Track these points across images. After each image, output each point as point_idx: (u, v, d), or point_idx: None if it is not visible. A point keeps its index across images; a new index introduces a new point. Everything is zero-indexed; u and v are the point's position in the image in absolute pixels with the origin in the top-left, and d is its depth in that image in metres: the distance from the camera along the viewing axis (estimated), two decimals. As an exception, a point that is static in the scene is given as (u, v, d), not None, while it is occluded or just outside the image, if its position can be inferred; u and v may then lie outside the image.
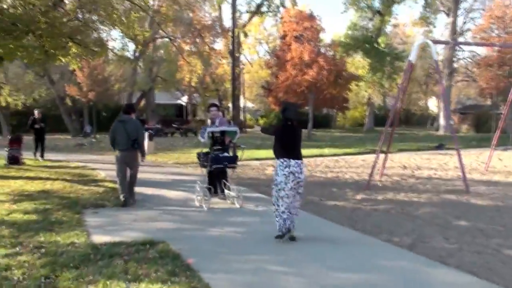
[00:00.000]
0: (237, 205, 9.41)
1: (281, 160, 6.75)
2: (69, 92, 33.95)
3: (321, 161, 17.85)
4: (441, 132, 38.72)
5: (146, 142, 21.62)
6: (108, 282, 5.15)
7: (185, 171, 14.57)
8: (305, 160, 17.21)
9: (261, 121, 54.46)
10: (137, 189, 10.87)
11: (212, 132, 9.85)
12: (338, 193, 11.14)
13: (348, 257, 6.17)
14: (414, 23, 54.34)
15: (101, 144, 26.32)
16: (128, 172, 9.91)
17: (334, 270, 5.67)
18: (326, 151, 20.95)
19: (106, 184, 12.20)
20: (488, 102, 55.93)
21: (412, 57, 11.90)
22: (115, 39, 47.39)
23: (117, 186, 10.72)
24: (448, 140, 28.82)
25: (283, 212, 6.81)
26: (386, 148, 13.09)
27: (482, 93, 39.13)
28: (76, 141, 28.65)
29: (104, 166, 16.01)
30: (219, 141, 9.97)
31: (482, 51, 37.05)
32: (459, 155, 11.53)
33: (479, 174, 14.33)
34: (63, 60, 15.38)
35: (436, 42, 15.42)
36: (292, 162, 6.70)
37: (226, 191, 9.92)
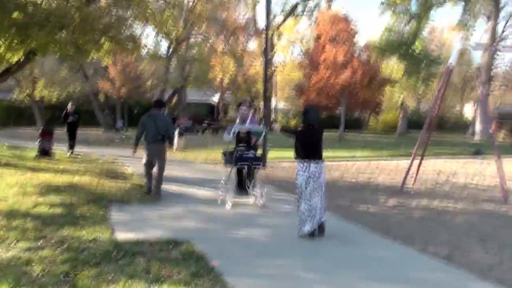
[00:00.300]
0: (260, 203, 9.30)
1: (301, 162, 7.01)
2: (102, 88, 34.20)
3: (352, 164, 17.41)
4: (477, 138, 37.66)
5: (176, 139, 21.72)
6: (128, 282, 4.95)
7: (214, 169, 14.35)
8: (335, 163, 16.86)
9: (292, 122, 54.03)
10: (164, 186, 10.77)
11: (239, 131, 9.72)
12: (369, 198, 10.76)
13: (381, 267, 5.84)
14: (452, 28, 53.26)
15: (132, 140, 26.35)
16: (156, 165, 10.11)
17: (366, 281, 5.35)
18: (358, 153, 20.50)
19: (133, 180, 12.09)
20: (526, 110, 54.41)
21: (452, 60, 11.44)
22: (147, 36, 47.66)
23: (144, 181, 10.68)
24: (486, 147, 28.04)
25: (303, 212, 6.97)
26: (421, 152, 12.60)
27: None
28: (108, 136, 28.83)
29: (133, 162, 15.93)
30: (245, 140, 9.82)
31: None
32: (499, 162, 10.99)
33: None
34: (96, 56, 15.35)
35: (477, 47, 14.84)
36: (312, 165, 6.95)
37: (250, 189, 9.73)
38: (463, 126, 63.66)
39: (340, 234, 7.34)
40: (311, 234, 6.93)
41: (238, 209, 9.06)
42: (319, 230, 6.99)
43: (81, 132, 19.66)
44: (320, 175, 6.98)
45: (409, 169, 11.56)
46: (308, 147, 7.02)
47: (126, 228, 7.30)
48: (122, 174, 13.19)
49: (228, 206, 9.09)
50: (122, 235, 6.79)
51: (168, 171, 13.53)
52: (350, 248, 6.64)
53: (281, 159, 18.12)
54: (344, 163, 17.60)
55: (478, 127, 39.01)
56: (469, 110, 72.42)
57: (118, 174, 13.12)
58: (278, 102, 54.47)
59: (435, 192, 11.72)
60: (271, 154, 17.16)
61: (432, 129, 12.28)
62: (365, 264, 5.94)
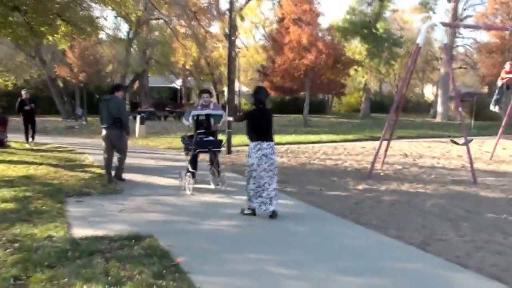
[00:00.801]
0: (212, 186, 9.50)
1: (254, 143, 7.19)
2: (60, 73, 32.97)
3: (319, 148, 17.20)
4: (438, 119, 38.10)
5: (137, 126, 21.10)
6: (85, 287, 4.50)
7: (177, 156, 13.87)
8: (302, 147, 16.68)
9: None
10: (126, 176, 10.33)
11: (197, 115, 9.46)
12: (338, 182, 10.50)
13: (356, 257, 5.53)
14: (413, 9, 53.58)
15: (92, 127, 25.60)
16: (116, 155, 10.04)
17: (341, 273, 5.03)
18: (324, 137, 20.32)
19: (93, 169, 11.56)
20: (485, 90, 55.44)
21: (420, 39, 11.21)
22: (106, 17, 46.35)
23: (102, 172, 10.23)
24: (446, 128, 28.30)
25: (251, 189, 7.20)
26: (389, 135, 12.41)
27: (483, 80, 38.45)
28: (67, 124, 27.87)
29: (93, 150, 15.35)
30: (204, 124, 9.55)
31: (483, 37, 36.17)
32: (467, 144, 10.86)
33: (484, 164, 13.72)
34: (51, 38, 14.61)
35: (445, 24, 14.66)
36: (264, 144, 7.17)
37: (211, 175, 9.73)
38: (425, 107, 64.58)
39: (311, 222, 7.03)
40: (253, 211, 7.28)
41: (203, 197, 8.69)
42: (271, 215, 7.20)
43: (38, 120, 18.84)
44: (272, 155, 7.21)
45: (377, 151, 11.34)
46: (260, 128, 7.24)
47: (85, 223, 6.81)
48: (81, 163, 12.59)
49: (189, 192, 8.93)
50: (79, 232, 6.30)
51: (130, 159, 13.08)
52: (323, 237, 6.32)
53: (247, 145, 17.77)
54: (310, 147, 17.39)
55: (439, 108, 39.41)
56: (429, 91, 73.51)
57: (76, 164, 12.52)
58: (242, 86, 53.91)
59: (404, 175, 11.56)
60: (236, 140, 16.80)
61: (400, 111, 12.04)
62: (340, 255, 5.64)
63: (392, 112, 11.68)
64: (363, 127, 28.06)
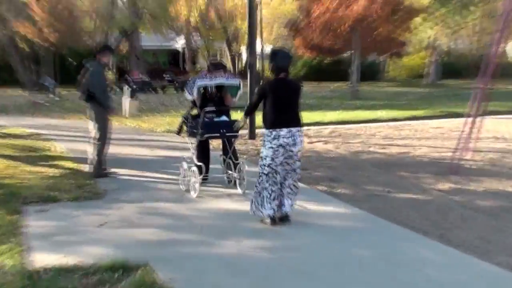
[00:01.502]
0: (239, 191, 8.68)
1: (269, 130, 6.86)
2: (24, 33, 32.44)
3: (376, 129, 16.47)
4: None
5: (126, 101, 20.52)
6: None
7: (180, 143, 13.19)
8: (353, 128, 16.02)
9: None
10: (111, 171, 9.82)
11: (204, 87, 8.93)
12: (410, 180, 9.76)
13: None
14: None
15: (66, 104, 25.13)
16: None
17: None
18: (383, 114, 19.53)
19: (64, 163, 11.07)
20: None
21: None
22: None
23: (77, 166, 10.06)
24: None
25: (265, 188, 6.94)
26: (475, 111, 11.50)
27: None
28: (32, 99, 27.43)
29: (65, 135, 14.85)
30: (215, 99, 9.09)
31: None
32: None
33: None
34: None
35: None
36: (284, 131, 6.79)
37: (225, 169, 9.24)
38: (509, 69, 63.04)
39: (377, 242, 6.32)
40: (273, 220, 6.94)
41: (216, 203, 8.09)
42: (283, 218, 7.05)
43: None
44: (295, 145, 6.87)
45: (468, 135, 10.51)
46: (279, 108, 6.84)
47: (49, 245, 6.20)
48: (48, 155, 12.09)
49: (194, 194, 8.42)
50: (41, 258, 5.68)
51: (115, 148, 12.52)
52: (397, 266, 5.59)
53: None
54: (364, 128, 16.66)
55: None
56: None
57: (41, 155, 12.04)
58: (265, 45, 53.09)
59: (501, 168, 10.84)
60: (261, 119, 16.10)
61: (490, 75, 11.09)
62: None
63: (480, 78, 10.71)
64: (433, 99, 27.16)
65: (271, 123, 6.81)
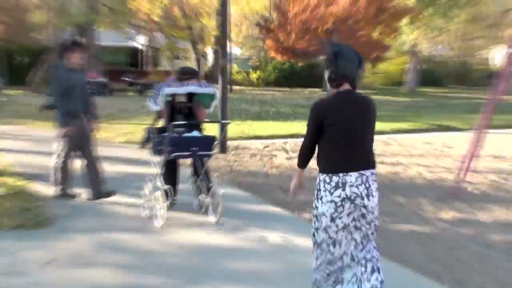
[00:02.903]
0: (214, 219, 7.80)
1: (328, 175, 4.63)
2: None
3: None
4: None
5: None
6: None
7: (143, 155, 12.35)
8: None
9: (253, 75, 52.23)
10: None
11: (173, 95, 8.04)
12: (409, 206, 9.08)
13: None
14: None
15: (11, 106, 24.04)
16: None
17: None
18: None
19: (9, 179, 10.07)
20: None
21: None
22: None
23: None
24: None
25: (320, 265, 4.86)
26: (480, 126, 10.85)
27: None
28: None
29: (11, 145, 13.87)
30: (185, 111, 8.31)
31: None
32: None
33: None
34: None
35: None
36: (352, 177, 4.58)
37: (196, 194, 8.40)
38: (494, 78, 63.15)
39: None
40: None
41: (187, 235, 7.29)
42: None
43: None
44: (369, 197, 4.67)
45: (471, 156, 9.84)
46: (345, 140, 4.62)
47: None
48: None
49: (158, 223, 7.57)
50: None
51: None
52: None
53: (250, 137, 16.36)
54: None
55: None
56: (499, 56, 72.26)
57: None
58: (233, 46, 52.53)
59: (506, 191, 10.20)
60: (233, 129, 15.36)
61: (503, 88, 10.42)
62: None
63: (496, 90, 10.03)
64: (418, 110, 26.63)
65: (332, 164, 4.64)
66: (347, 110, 4.61)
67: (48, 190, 9.33)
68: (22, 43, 37.45)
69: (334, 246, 4.69)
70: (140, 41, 50.77)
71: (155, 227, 7.55)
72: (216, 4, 41.23)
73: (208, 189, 8.02)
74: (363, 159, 4.68)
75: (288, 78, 48.69)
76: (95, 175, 8.72)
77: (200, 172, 8.20)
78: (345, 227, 4.66)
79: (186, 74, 8.22)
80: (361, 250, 4.79)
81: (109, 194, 8.74)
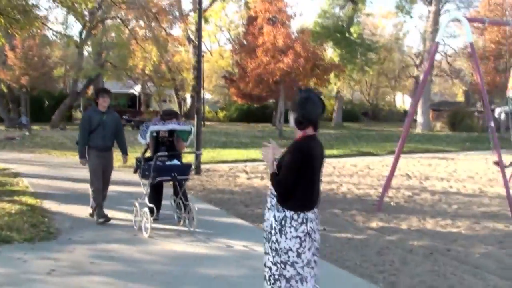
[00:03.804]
0: (189, 229, 7.17)
1: (295, 213, 3.63)
2: (1, 77, 29.96)
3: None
4: (418, 130, 36.61)
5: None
6: None
7: (135, 178, 11.60)
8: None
9: (220, 114, 51.60)
10: (65, 208, 8.22)
11: (157, 132, 7.57)
12: (343, 217, 8.45)
13: None
14: (384, 15, 52.45)
15: (35, 139, 22.87)
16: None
17: None
18: (306, 152, 18.26)
19: (25, 199, 9.17)
20: (461, 99, 54.83)
21: (439, 37, 9.31)
22: (56, 19, 43.40)
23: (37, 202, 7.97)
24: (435, 141, 26.73)
25: None
26: (396, 152, 10.32)
27: (473, 88, 37.46)
28: (6, 134, 25.02)
29: (31, 170, 12.95)
30: (167, 144, 7.71)
31: (477, 43, 34.50)
32: (500, 164, 8.86)
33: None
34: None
35: (471, 19, 12.78)
36: (310, 214, 3.67)
37: (176, 209, 7.72)
38: (397, 116, 63.69)
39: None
40: None
41: (168, 244, 6.54)
42: None
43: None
44: (316, 233, 3.74)
45: (391, 175, 9.30)
46: (313, 181, 3.73)
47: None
48: (11, 189, 10.18)
49: (145, 234, 6.93)
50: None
51: (72, 183, 10.87)
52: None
53: (218, 161, 15.66)
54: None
55: (420, 118, 37.96)
56: (400, 99, 72.81)
57: (5, 190, 10.13)
58: (205, 93, 51.89)
59: (419, 205, 9.60)
60: (205, 156, 14.67)
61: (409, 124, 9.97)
62: None
63: (406, 125, 9.57)
64: (344, 140, 26.18)
65: (303, 203, 3.67)
66: (317, 153, 3.75)
67: (55, 207, 8.56)
68: (48, 90, 36.32)
69: (302, 283, 3.63)
70: (136, 89, 49.90)
71: (143, 237, 6.82)
72: (193, 62, 40.80)
73: (185, 206, 7.36)
74: (317, 198, 3.79)
75: (247, 116, 48.29)
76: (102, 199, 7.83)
77: (179, 192, 7.53)
78: (308, 262, 3.65)
79: (168, 115, 7.63)
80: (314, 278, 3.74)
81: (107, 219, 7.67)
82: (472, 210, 9.15)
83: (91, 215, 7.79)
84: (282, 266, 3.62)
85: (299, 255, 3.59)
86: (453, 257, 6.25)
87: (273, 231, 3.68)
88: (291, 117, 3.75)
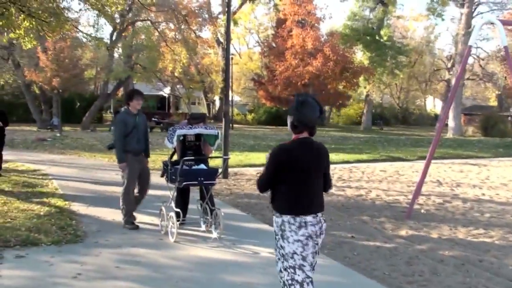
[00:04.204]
0: (215, 235, 7.03)
1: (291, 217, 3.74)
2: (30, 77, 30.44)
3: (332, 171, 14.88)
4: (450, 135, 36.03)
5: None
6: None
7: (162, 182, 11.64)
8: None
9: (249, 117, 51.62)
10: (93, 211, 8.23)
11: (184, 136, 7.49)
12: (372, 224, 8.29)
13: None
14: (415, 17, 51.82)
15: (66, 140, 23.18)
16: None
17: None
18: (334, 157, 18.05)
19: (54, 200, 9.24)
20: (493, 103, 53.78)
21: (472, 40, 9.10)
22: (88, 20, 43.95)
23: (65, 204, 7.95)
24: (467, 146, 26.24)
25: None
26: (427, 157, 10.09)
27: (507, 93, 36.74)
28: (38, 135, 25.42)
29: (61, 172, 13.08)
30: (194, 148, 7.65)
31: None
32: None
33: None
34: (13, 36, 12.53)
35: (506, 22, 12.49)
36: (309, 218, 3.74)
37: (201, 214, 7.63)
38: (428, 120, 62.88)
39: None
40: None
41: (194, 249, 6.49)
42: None
43: (10, 129, 16.45)
44: (320, 237, 3.84)
45: (421, 182, 9.10)
46: (303, 185, 3.78)
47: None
48: (41, 191, 10.30)
49: (172, 238, 6.89)
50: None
51: (101, 186, 10.92)
52: None
53: (246, 165, 15.60)
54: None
55: (451, 123, 37.32)
56: (430, 103, 71.90)
57: (35, 191, 10.23)
58: (234, 95, 52.04)
59: (450, 213, 9.37)
60: (233, 159, 14.63)
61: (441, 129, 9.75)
62: None
63: (438, 129, 9.35)
64: (373, 144, 25.89)
65: (294, 207, 3.75)
66: (306, 156, 3.77)
67: (83, 209, 8.60)
68: (79, 92, 36.85)
69: (312, 285, 3.80)
70: (166, 91, 50.28)
71: (169, 242, 6.80)
72: (222, 65, 40.94)
73: (211, 211, 7.30)
74: (317, 202, 3.84)
75: (275, 119, 48.09)
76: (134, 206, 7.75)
77: (205, 196, 7.48)
78: (311, 264, 3.81)
79: (195, 119, 7.53)
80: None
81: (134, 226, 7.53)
82: (506, 219, 8.89)
83: (126, 221, 7.57)
84: (292, 271, 3.73)
85: (304, 258, 3.71)
86: (485, 268, 6.06)
87: (277, 237, 3.83)
88: (288, 121, 3.85)
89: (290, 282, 3.75)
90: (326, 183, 4.02)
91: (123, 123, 7.46)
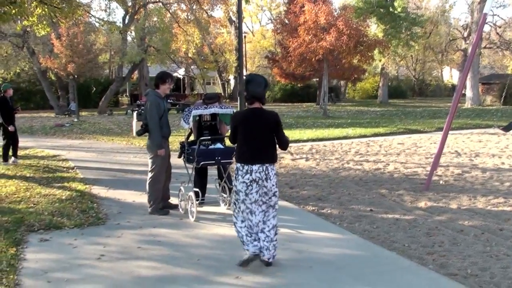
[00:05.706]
0: (223, 206, 7.55)
1: (240, 164, 5.07)
2: (45, 64, 30.59)
3: (349, 146, 14.85)
4: (468, 105, 35.61)
5: (134, 122, 18.93)
6: None
7: (180, 162, 11.72)
8: (328, 144, 14.31)
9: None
10: (113, 194, 8.33)
11: (200, 116, 7.51)
12: (390, 197, 8.28)
13: None
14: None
15: (83, 125, 23.37)
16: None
17: None
18: (351, 131, 17.98)
19: (75, 185, 9.36)
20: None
21: (488, 7, 8.92)
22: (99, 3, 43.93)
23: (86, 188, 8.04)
24: (486, 115, 25.97)
25: (239, 232, 5.19)
26: (445, 128, 9.98)
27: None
28: (56, 121, 25.66)
29: (80, 156, 13.24)
30: (210, 127, 7.68)
31: None
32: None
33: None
34: (26, 23, 12.60)
35: None
36: (255, 167, 5.00)
37: (220, 193, 7.76)
38: (445, 91, 62.12)
39: (384, 277, 4.84)
40: (245, 262, 5.07)
41: (214, 228, 6.57)
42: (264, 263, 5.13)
43: (28, 116, 16.62)
44: (268, 180, 5.02)
45: (439, 152, 9.03)
46: (250, 140, 5.04)
47: (42, 285, 4.68)
48: (62, 176, 10.42)
49: (192, 218, 6.97)
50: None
51: (121, 167, 11.04)
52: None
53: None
54: (338, 145, 15.08)
55: (469, 93, 36.82)
56: (447, 74, 70.93)
57: (56, 176, 10.36)
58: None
59: (470, 183, 9.32)
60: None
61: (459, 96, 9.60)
62: None
63: (455, 100, 9.22)
64: (390, 117, 25.71)
65: (242, 157, 5.02)
66: (253, 121, 5.03)
67: (104, 192, 8.71)
68: (95, 77, 36.97)
69: (251, 215, 5.04)
70: (180, 72, 50.28)
71: (189, 221, 6.88)
72: (235, 44, 40.81)
73: (230, 189, 7.35)
74: (263, 155, 4.99)
75: (290, 96, 48.03)
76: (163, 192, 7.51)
77: (223, 175, 7.54)
78: (255, 201, 5.01)
79: (210, 99, 7.50)
80: (269, 220, 5.10)
81: (164, 212, 7.36)
82: (527, 188, 8.83)
83: (155, 209, 7.32)
84: (237, 203, 5.12)
85: (246, 195, 5.00)
86: (506, 237, 6.04)
87: (233, 178, 5.25)
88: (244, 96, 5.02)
89: (236, 211, 5.16)
90: (279, 143, 5.14)
91: (158, 106, 7.16)
